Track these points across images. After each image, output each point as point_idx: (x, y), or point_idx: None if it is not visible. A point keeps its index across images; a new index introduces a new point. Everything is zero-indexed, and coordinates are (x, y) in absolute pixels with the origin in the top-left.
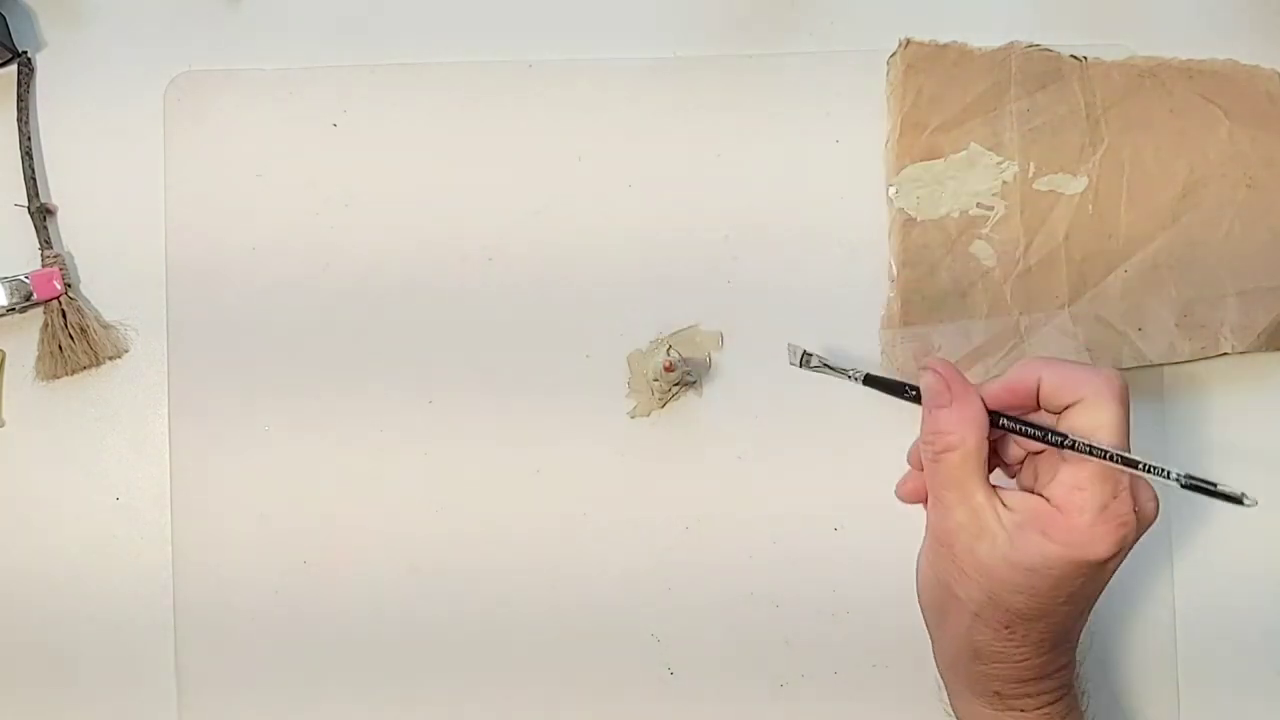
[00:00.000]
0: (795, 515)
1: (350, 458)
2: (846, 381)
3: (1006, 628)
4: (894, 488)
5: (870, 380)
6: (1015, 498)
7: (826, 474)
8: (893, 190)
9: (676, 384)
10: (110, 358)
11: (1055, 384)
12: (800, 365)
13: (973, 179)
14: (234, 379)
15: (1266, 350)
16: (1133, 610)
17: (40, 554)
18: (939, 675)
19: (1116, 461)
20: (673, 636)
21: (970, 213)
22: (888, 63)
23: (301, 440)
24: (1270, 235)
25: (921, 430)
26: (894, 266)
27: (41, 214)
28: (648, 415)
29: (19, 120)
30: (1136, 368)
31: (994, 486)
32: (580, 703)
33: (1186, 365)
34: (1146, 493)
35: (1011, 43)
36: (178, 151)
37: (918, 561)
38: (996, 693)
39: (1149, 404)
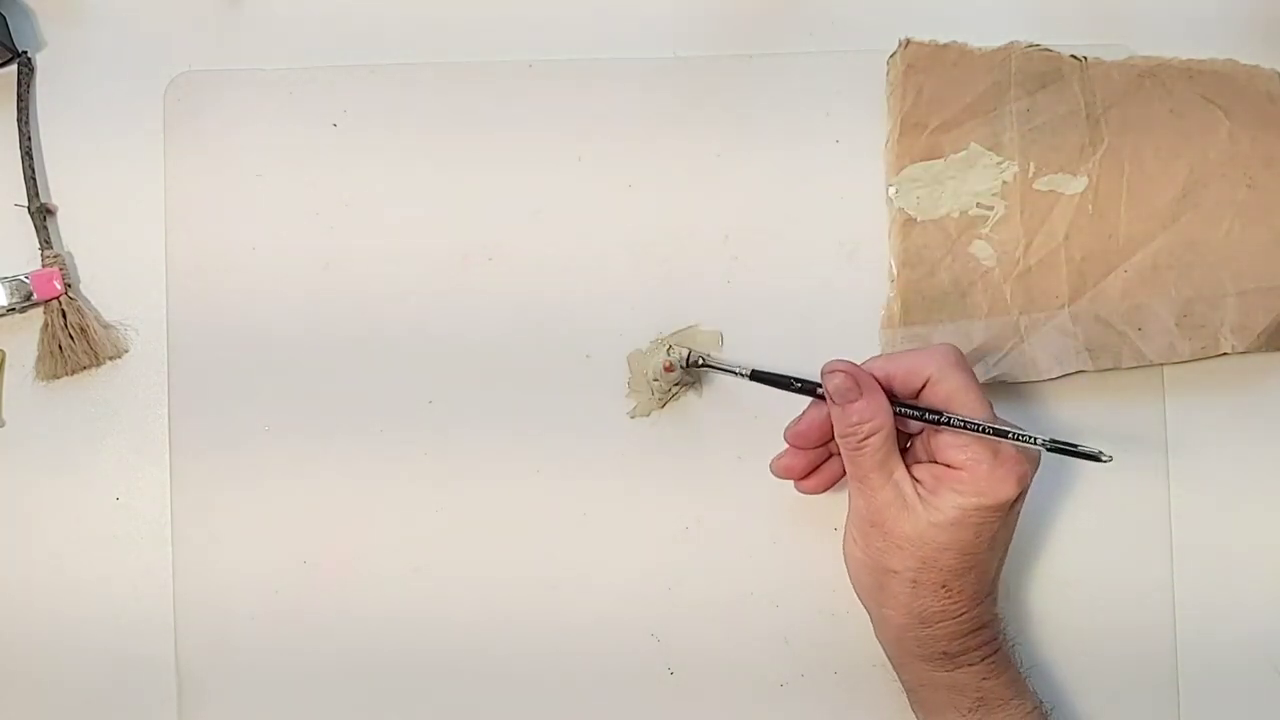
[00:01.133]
0: (795, 515)
1: (350, 457)
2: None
3: (943, 586)
4: (769, 464)
5: (756, 376)
6: (921, 470)
7: None
8: (893, 190)
9: (676, 384)
10: (110, 358)
11: (903, 373)
12: (686, 366)
13: (973, 179)
14: (234, 379)
15: (1266, 350)
16: (1132, 617)
17: (40, 554)
18: (887, 655)
19: (988, 434)
20: (673, 636)
21: (970, 213)
22: (888, 63)
23: (301, 440)
24: (1270, 235)
25: (836, 427)
26: (894, 266)
27: (41, 214)
28: (648, 415)
29: (19, 120)
30: (1136, 367)
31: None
32: (580, 702)
33: (1186, 365)
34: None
35: (1011, 43)
36: (178, 151)
37: (844, 550)
38: (944, 653)
39: (1149, 404)
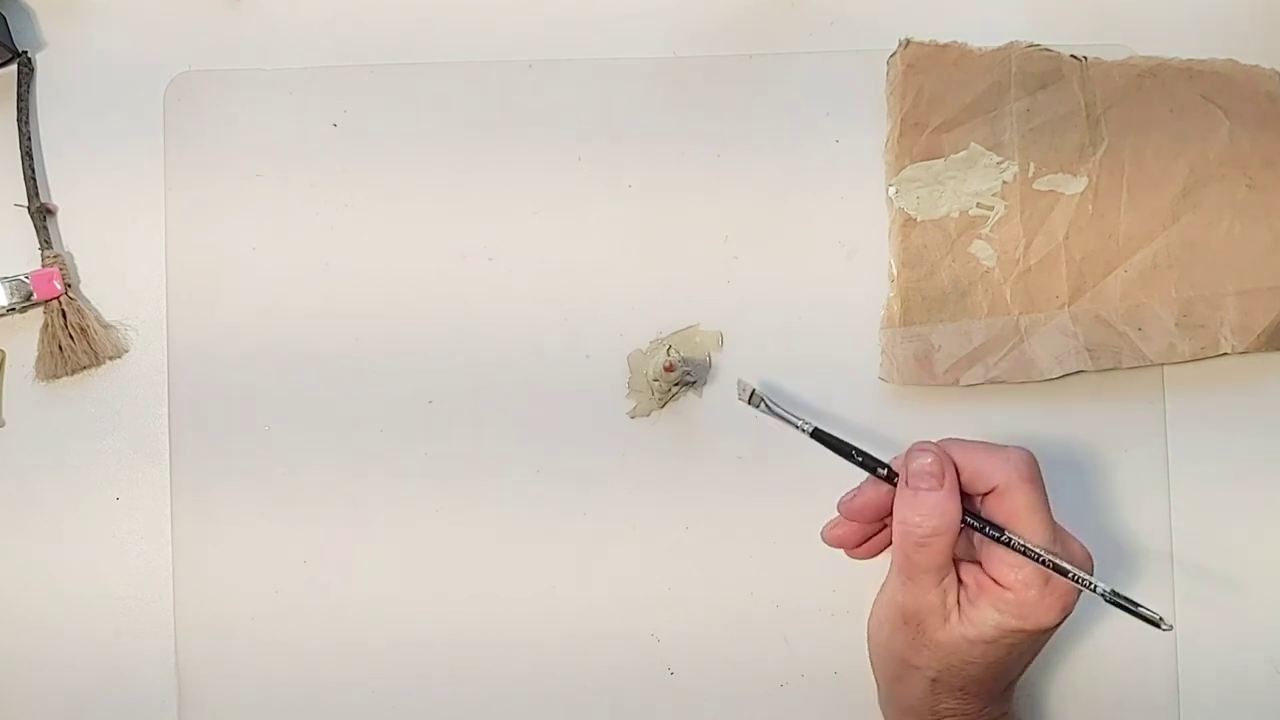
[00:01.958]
0: (795, 516)
1: (350, 457)
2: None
3: (962, 690)
4: (820, 531)
5: (818, 435)
6: (967, 572)
7: (826, 473)
8: (893, 190)
9: (676, 384)
10: (110, 358)
11: (970, 472)
12: (749, 403)
13: (973, 179)
14: (234, 379)
15: (1266, 350)
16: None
17: (40, 554)
18: (883, 712)
19: (1049, 566)
20: (673, 636)
21: (970, 213)
22: (888, 63)
23: (301, 439)
24: (1270, 235)
25: (902, 509)
26: (894, 266)
27: (41, 214)
28: (648, 415)
29: (19, 120)
30: (1136, 367)
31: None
32: (580, 702)
33: (1186, 365)
34: (1081, 554)
35: (1011, 43)
36: (178, 151)
37: (869, 625)
38: None
39: (1149, 404)
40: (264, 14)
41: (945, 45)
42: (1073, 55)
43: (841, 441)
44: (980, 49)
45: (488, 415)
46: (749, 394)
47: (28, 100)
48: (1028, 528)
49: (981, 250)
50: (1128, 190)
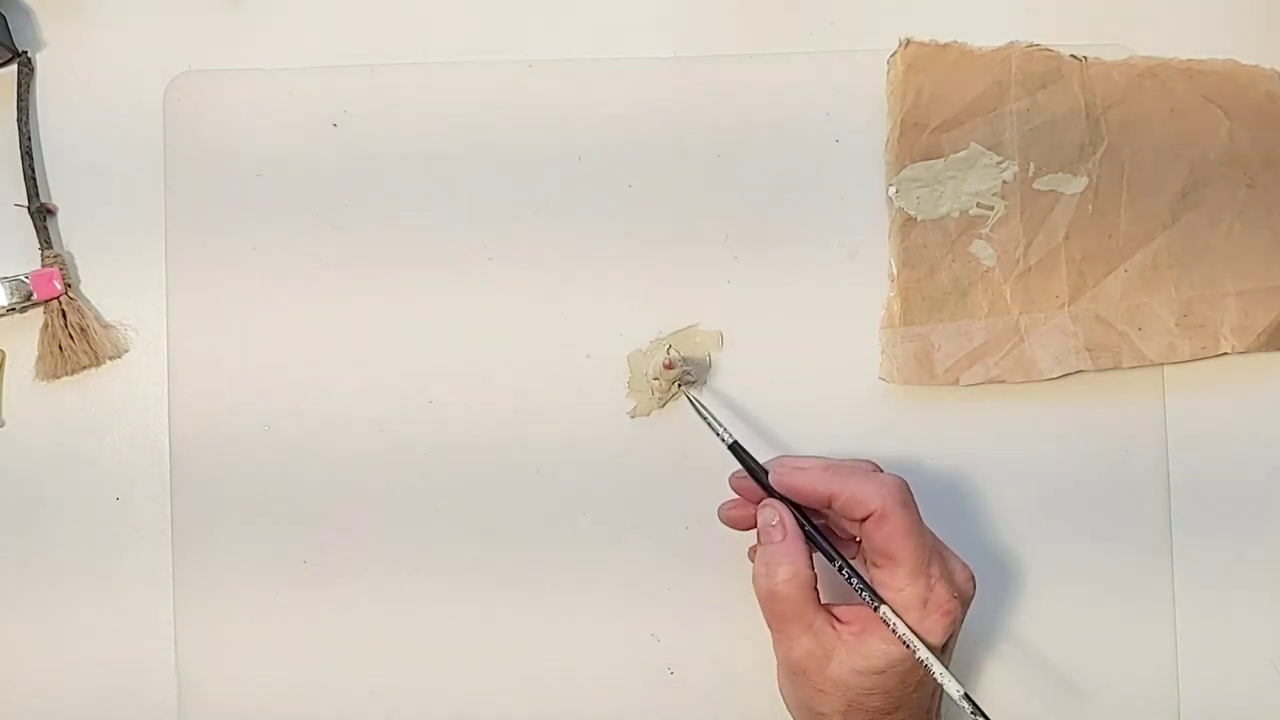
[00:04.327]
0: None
1: (349, 456)
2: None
3: None
4: (717, 510)
5: (735, 450)
6: (844, 611)
7: None
8: (893, 190)
9: (676, 384)
10: (110, 357)
11: (844, 501)
12: (691, 401)
13: (973, 179)
14: (233, 378)
15: (1266, 350)
16: (1131, 615)
17: (39, 554)
18: None
19: (917, 654)
20: (673, 636)
21: (970, 212)
22: (888, 63)
23: (301, 439)
24: (1270, 235)
25: (757, 562)
26: (894, 266)
27: (41, 214)
28: (648, 415)
29: (19, 120)
30: (1136, 367)
31: (823, 605)
32: (580, 702)
33: (1186, 365)
34: (963, 574)
35: (1011, 43)
36: (178, 151)
37: (779, 686)
38: None
39: (1149, 404)
40: (264, 14)
41: (945, 45)
42: (1073, 55)
43: (752, 461)
44: (980, 49)
45: (488, 414)
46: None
47: (28, 100)
48: (903, 550)
49: (981, 250)
50: (1128, 190)
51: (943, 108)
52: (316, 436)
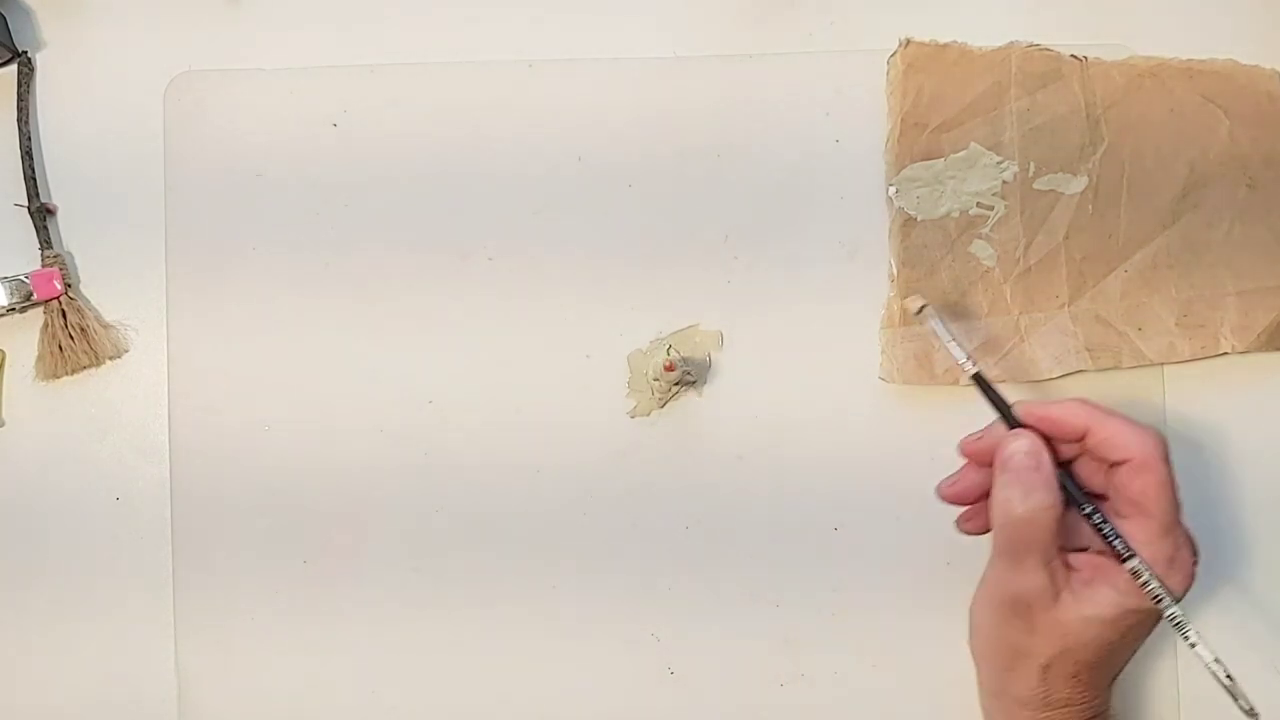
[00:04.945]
0: (795, 515)
1: (351, 458)
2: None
3: (1074, 676)
4: (937, 488)
5: (978, 380)
6: (1077, 558)
7: (826, 474)
8: (893, 190)
9: (676, 384)
10: (110, 357)
11: (1102, 439)
12: (916, 315)
13: (973, 179)
14: (234, 378)
15: (1266, 350)
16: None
17: (39, 554)
18: (981, 701)
19: (1168, 611)
20: (673, 636)
21: (970, 212)
22: (888, 63)
23: (302, 441)
24: (1270, 235)
25: (1001, 489)
26: (894, 266)
27: (41, 214)
28: (648, 415)
29: (19, 120)
30: (1136, 367)
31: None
32: (580, 702)
33: (1186, 365)
34: (1190, 543)
35: (1011, 43)
36: (178, 151)
37: (971, 610)
38: None
39: (1149, 404)
40: (264, 14)
41: (945, 45)
42: (1073, 55)
43: (998, 397)
44: (980, 49)
45: (488, 414)
46: (919, 308)
47: (28, 100)
48: (1158, 504)
49: (981, 250)
50: (1128, 190)
51: (943, 108)
52: (317, 436)
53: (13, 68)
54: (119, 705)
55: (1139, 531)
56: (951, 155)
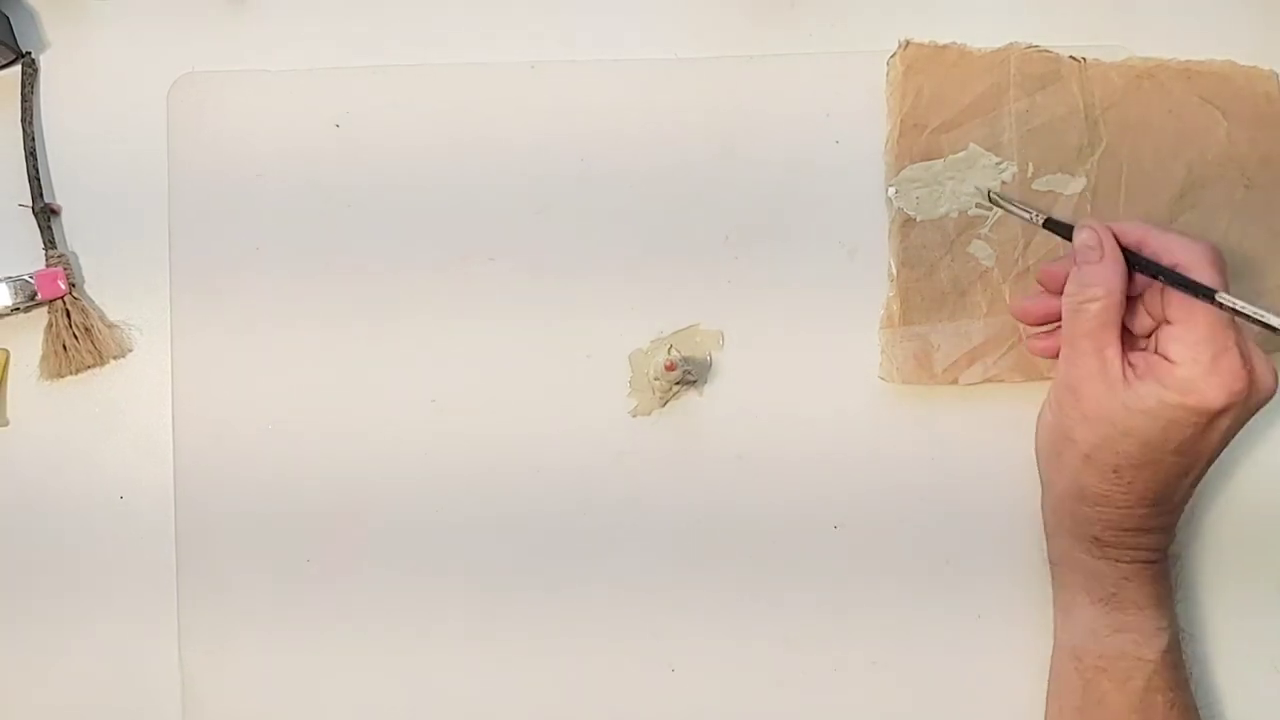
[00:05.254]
0: (795, 515)
1: (354, 457)
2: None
3: (1114, 470)
4: (1012, 302)
5: (1049, 224)
6: (1139, 356)
7: (826, 474)
8: (892, 191)
9: (677, 383)
10: (114, 357)
11: (1156, 249)
12: (988, 200)
13: (972, 179)
14: (237, 378)
15: (1266, 351)
16: None
17: (42, 554)
18: (1044, 522)
19: (1220, 306)
20: (673, 636)
21: (969, 213)
22: (887, 63)
23: (305, 440)
24: (1268, 235)
25: (1068, 283)
26: (893, 266)
27: (45, 214)
28: (648, 415)
29: (23, 120)
30: None
31: (1123, 344)
32: (580, 702)
33: None
34: (1264, 365)
35: (1010, 44)
36: (181, 152)
37: (1040, 412)
38: (1095, 538)
39: None
40: (267, 15)
41: (944, 46)
42: (1071, 56)
43: (1067, 226)
44: (979, 50)
45: (488, 414)
46: (985, 194)
47: (32, 101)
48: (1203, 307)
49: (980, 250)
50: (1126, 190)
51: (942, 109)
52: (319, 436)
53: (17, 68)
54: (122, 704)
55: (1184, 333)
56: (951, 156)
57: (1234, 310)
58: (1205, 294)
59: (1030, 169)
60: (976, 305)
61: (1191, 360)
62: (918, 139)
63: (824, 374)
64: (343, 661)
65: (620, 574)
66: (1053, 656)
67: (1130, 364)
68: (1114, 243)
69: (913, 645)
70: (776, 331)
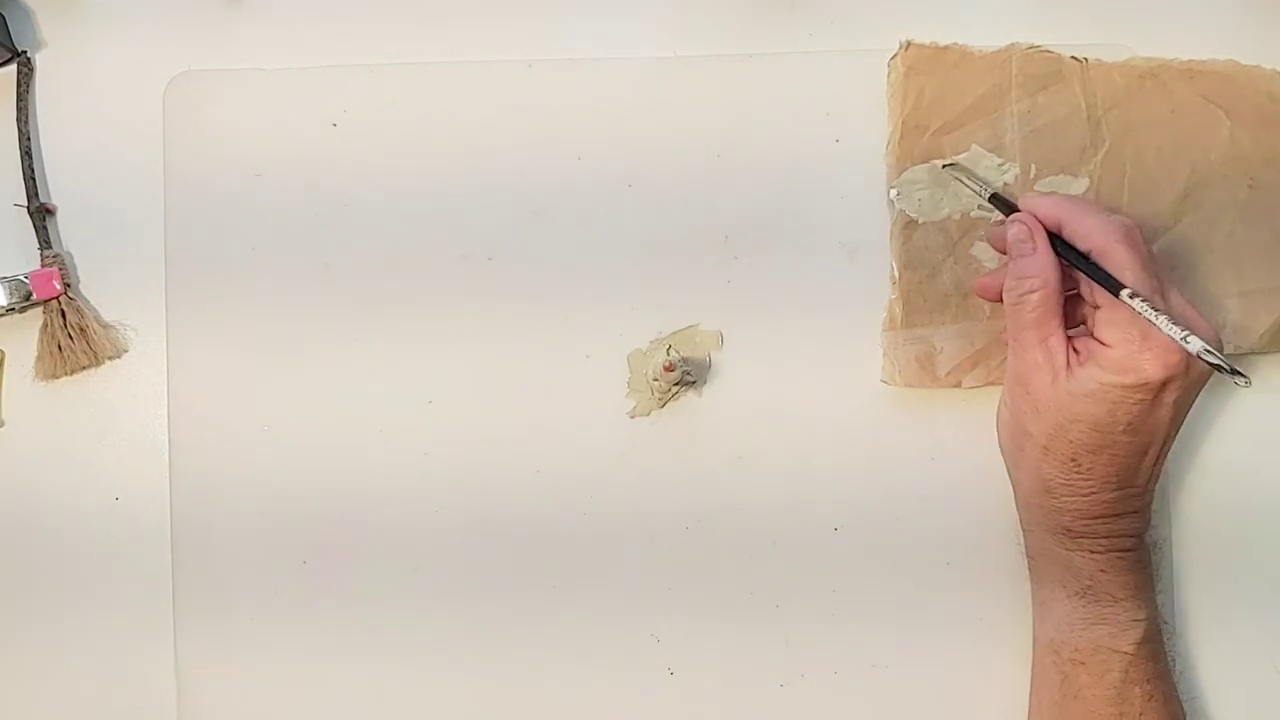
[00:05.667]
0: (795, 515)
1: (349, 458)
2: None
3: (1072, 460)
4: (976, 285)
5: (994, 199)
6: (1080, 342)
7: (826, 474)
8: (894, 192)
9: (676, 384)
10: (110, 357)
11: (1070, 232)
12: (941, 169)
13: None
14: (233, 379)
15: (1268, 351)
16: None
17: (39, 554)
18: (1019, 519)
19: (1147, 315)
20: (673, 636)
21: (972, 214)
22: (888, 65)
23: (302, 440)
24: (1272, 235)
25: (1007, 278)
26: (895, 268)
27: (41, 214)
28: (648, 415)
29: (18, 120)
30: None
31: (1066, 332)
32: (580, 702)
33: None
34: (1205, 329)
35: (1012, 44)
36: (177, 151)
37: (998, 409)
38: (1066, 529)
39: None
40: (264, 14)
41: (946, 47)
42: (1073, 56)
43: (1011, 205)
44: (981, 51)
45: (488, 414)
46: (946, 163)
47: (27, 100)
48: (1128, 284)
49: (983, 252)
50: (1129, 191)
51: (943, 110)
52: (316, 436)
53: (12, 67)
54: (118, 706)
55: (1111, 314)
56: (953, 157)
57: (1137, 312)
58: (1113, 288)
59: (1033, 170)
60: (979, 308)
61: (1123, 340)
62: (919, 141)
63: (823, 375)
64: (339, 663)
65: (619, 575)
66: (1033, 651)
67: (1075, 350)
68: (1044, 234)
69: (913, 647)
70: (776, 332)
